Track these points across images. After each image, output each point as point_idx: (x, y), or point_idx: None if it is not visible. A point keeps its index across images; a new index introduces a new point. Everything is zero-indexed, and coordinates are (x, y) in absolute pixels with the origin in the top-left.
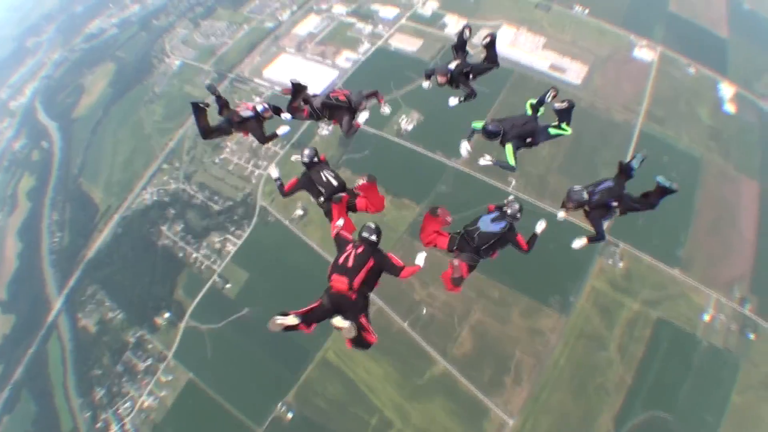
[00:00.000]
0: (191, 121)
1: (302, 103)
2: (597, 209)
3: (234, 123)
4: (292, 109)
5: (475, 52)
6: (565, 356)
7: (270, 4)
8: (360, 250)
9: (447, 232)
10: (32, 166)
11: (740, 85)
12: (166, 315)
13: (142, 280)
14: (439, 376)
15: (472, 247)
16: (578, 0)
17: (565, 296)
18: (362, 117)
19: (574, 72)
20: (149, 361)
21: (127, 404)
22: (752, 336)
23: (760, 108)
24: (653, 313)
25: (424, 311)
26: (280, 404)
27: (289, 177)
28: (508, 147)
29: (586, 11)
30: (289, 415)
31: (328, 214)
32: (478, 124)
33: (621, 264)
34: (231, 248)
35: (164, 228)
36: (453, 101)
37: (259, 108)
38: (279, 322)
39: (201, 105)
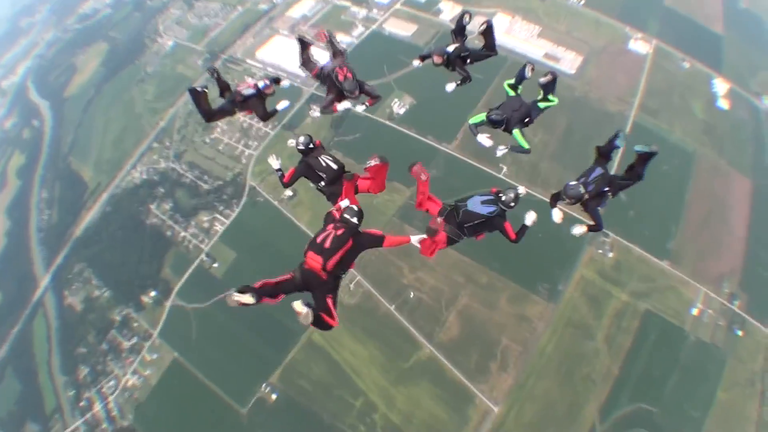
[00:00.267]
0: (183, 100)
1: (316, 60)
2: (593, 199)
3: (237, 103)
4: (304, 61)
5: (470, 40)
6: (553, 344)
7: None
8: (340, 232)
9: (440, 200)
10: (22, 144)
11: (734, 81)
12: (153, 293)
13: (129, 258)
14: (425, 360)
15: (455, 221)
16: None
17: (554, 284)
18: (342, 105)
19: (568, 62)
20: (134, 340)
21: (111, 383)
22: (740, 332)
23: (753, 105)
24: (641, 304)
25: (412, 295)
26: (264, 385)
27: (282, 159)
28: (517, 132)
29: (582, 2)
30: (273, 396)
31: (332, 198)
32: (477, 119)
33: (611, 254)
34: (219, 228)
35: (153, 206)
36: (450, 86)
37: (261, 84)
38: (236, 298)
39: (199, 90)
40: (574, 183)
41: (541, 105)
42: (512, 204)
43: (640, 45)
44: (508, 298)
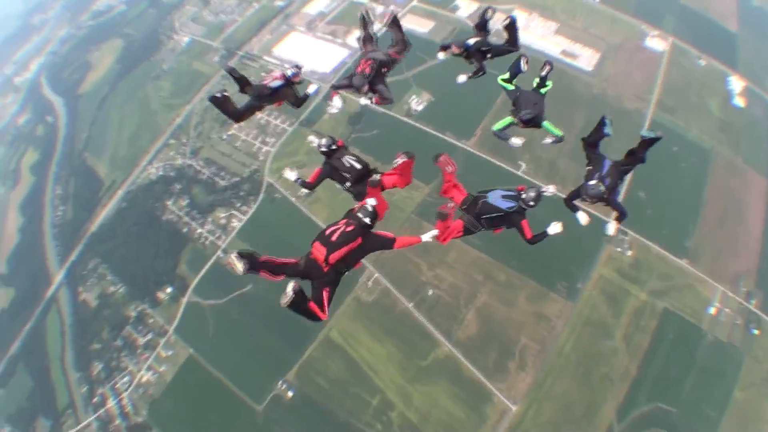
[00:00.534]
0: (199, 97)
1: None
2: (612, 191)
3: (265, 96)
4: (363, 39)
5: (492, 36)
6: (571, 343)
7: None
8: (349, 228)
9: (465, 190)
10: (36, 140)
11: (749, 79)
12: (169, 290)
13: (145, 254)
14: (443, 358)
15: (474, 212)
16: None
17: (573, 282)
18: (363, 101)
19: (585, 59)
20: (149, 336)
21: (125, 379)
22: (756, 331)
23: None
24: (660, 303)
25: (430, 293)
26: (280, 382)
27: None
28: (547, 123)
29: None
30: (290, 394)
31: (359, 197)
32: (501, 124)
33: (629, 252)
34: (236, 224)
35: (169, 203)
36: (462, 78)
37: (289, 73)
38: (231, 259)
39: (219, 96)
40: (593, 183)
41: (543, 91)
42: (531, 203)
43: (656, 42)
44: (527, 297)
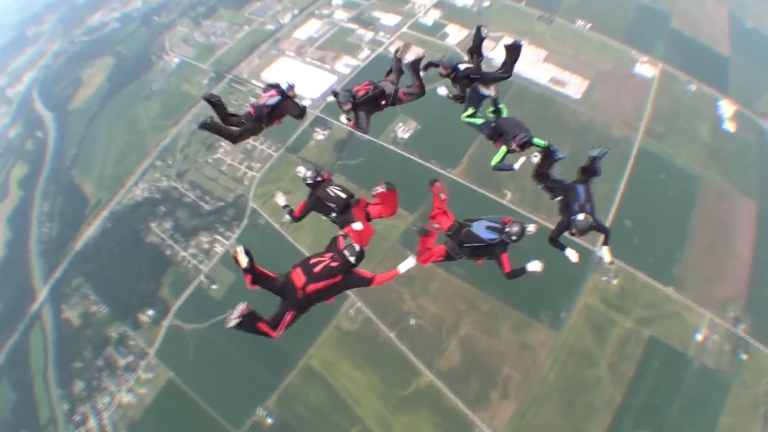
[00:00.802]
0: (187, 119)
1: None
2: (593, 215)
3: (264, 116)
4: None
5: (484, 62)
6: (555, 372)
7: (272, 7)
8: (334, 264)
9: (454, 217)
10: (26, 154)
11: (741, 103)
12: (150, 312)
13: (128, 275)
14: (424, 388)
15: (457, 239)
16: (581, 14)
17: (557, 312)
18: (343, 118)
19: (574, 86)
20: (130, 358)
21: (106, 399)
22: (744, 356)
23: (759, 127)
24: (645, 331)
25: (412, 322)
26: (260, 409)
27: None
28: (536, 140)
29: (588, 26)
30: (269, 421)
31: (345, 226)
32: (499, 156)
33: (615, 281)
34: (219, 249)
35: (153, 225)
36: (442, 91)
37: (285, 86)
38: (238, 250)
39: (210, 122)
40: (581, 217)
41: (506, 114)
42: (514, 238)
43: (646, 68)
44: (511, 326)
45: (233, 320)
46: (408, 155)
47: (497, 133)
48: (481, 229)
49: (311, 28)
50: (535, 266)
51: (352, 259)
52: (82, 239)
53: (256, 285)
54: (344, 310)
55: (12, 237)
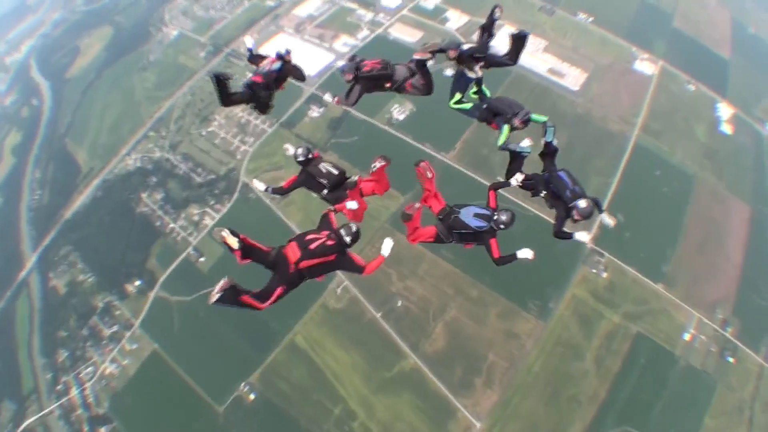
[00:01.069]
0: (182, 91)
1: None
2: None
3: (273, 83)
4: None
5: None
6: (540, 363)
7: None
8: (330, 243)
9: (444, 201)
10: (20, 122)
11: (738, 107)
12: (137, 283)
13: (116, 245)
14: (408, 371)
15: (447, 223)
16: (582, 7)
17: (545, 302)
18: (327, 97)
19: (572, 78)
20: (115, 328)
21: (89, 369)
22: (731, 359)
23: (756, 131)
24: (633, 327)
25: (399, 303)
26: (243, 384)
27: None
28: (535, 116)
29: (590, 19)
30: (252, 396)
31: (338, 203)
32: (504, 137)
33: (605, 274)
34: (209, 222)
35: (144, 195)
36: (449, 72)
37: (283, 51)
38: (224, 234)
39: (221, 77)
40: (583, 203)
41: (488, 93)
42: (503, 226)
43: (645, 65)
44: (498, 314)
45: (215, 296)
46: (402, 137)
47: (491, 113)
48: (468, 216)
49: (311, 5)
50: (526, 253)
51: (348, 239)
52: (72, 207)
53: (248, 259)
54: (331, 288)
55: (3, 203)
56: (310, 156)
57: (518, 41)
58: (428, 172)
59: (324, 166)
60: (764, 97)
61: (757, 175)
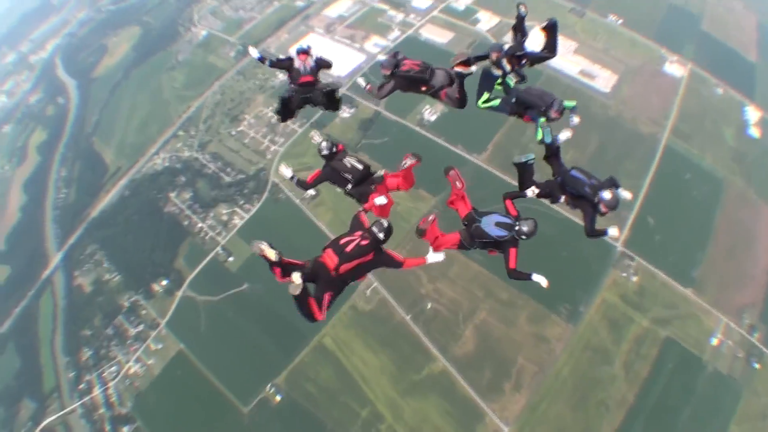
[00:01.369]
0: (212, 90)
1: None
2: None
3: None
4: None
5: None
6: (569, 367)
7: None
8: (364, 242)
9: (471, 205)
10: (46, 120)
11: (766, 110)
12: (164, 282)
13: (143, 244)
14: (437, 374)
15: (469, 231)
16: (612, 9)
17: (575, 305)
18: (360, 80)
19: (603, 80)
20: (141, 327)
21: (113, 368)
22: (757, 365)
23: None
24: (662, 331)
25: (429, 306)
26: (269, 385)
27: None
28: (566, 102)
29: (620, 21)
30: (278, 398)
31: (363, 199)
32: (541, 129)
33: (635, 278)
34: (238, 221)
35: (172, 195)
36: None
37: (304, 46)
38: (262, 246)
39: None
40: (607, 195)
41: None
42: (524, 237)
43: (675, 68)
44: (528, 317)
45: (297, 285)
46: (434, 138)
47: (522, 107)
48: (489, 225)
49: (342, 6)
50: (540, 279)
51: (381, 236)
52: (99, 206)
53: (288, 276)
54: (360, 289)
55: (27, 202)
56: (334, 150)
57: (551, 31)
58: (458, 182)
59: (348, 161)
60: None
61: None
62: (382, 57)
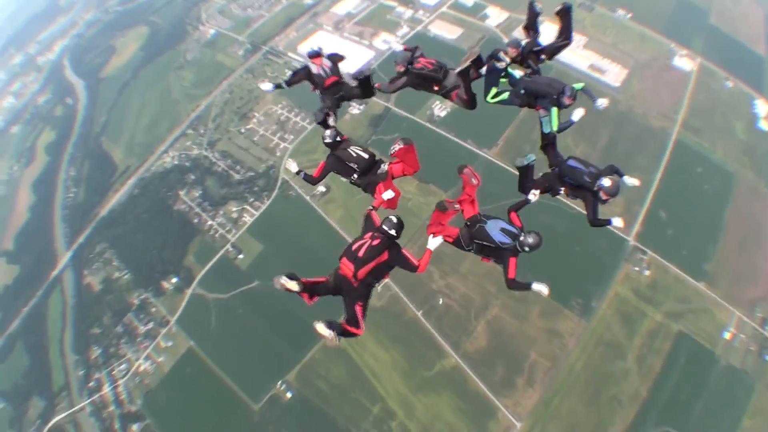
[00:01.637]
0: (221, 88)
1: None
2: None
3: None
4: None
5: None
6: (582, 362)
7: None
8: (376, 242)
9: (478, 209)
10: (54, 120)
11: None
12: (174, 280)
13: (153, 242)
14: (449, 370)
15: (471, 231)
16: (622, 3)
17: (588, 300)
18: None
19: (613, 74)
20: (150, 325)
21: (123, 366)
22: None
23: None
24: (674, 325)
25: (441, 302)
26: (280, 382)
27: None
28: (576, 85)
29: (629, 15)
30: (288, 395)
31: (369, 188)
32: (556, 117)
33: (647, 272)
34: (248, 219)
35: (182, 193)
36: (519, 73)
37: (316, 48)
38: (283, 281)
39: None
40: (607, 182)
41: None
42: (527, 249)
43: (684, 62)
44: (540, 312)
45: (336, 342)
46: (444, 133)
47: (532, 97)
48: (494, 229)
49: (350, 3)
50: (541, 288)
51: (392, 233)
52: (108, 205)
53: (315, 297)
54: None
55: (36, 201)
56: (338, 138)
57: (564, 16)
58: (473, 179)
59: (353, 150)
60: None
61: None
62: (397, 46)
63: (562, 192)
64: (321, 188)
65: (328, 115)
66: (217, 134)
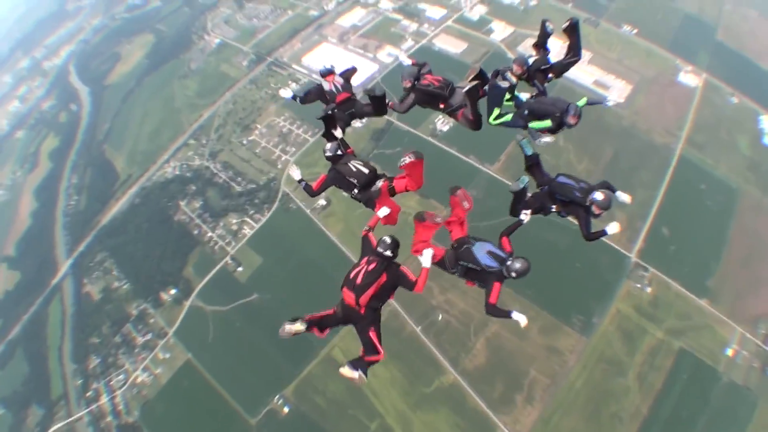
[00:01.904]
0: (224, 99)
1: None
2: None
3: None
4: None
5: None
6: (582, 379)
7: None
8: (372, 266)
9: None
10: (58, 127)
11: None
12: (173, 291)
13: (153, 252)
14: (447, 386)
15: (456, 252)
16: (627, 19)
17: (589, 317)
18: (401, 56)
19: (618, 90)
20: (149, 336)
21: (121, 377)
22: None
23: None
24: (676, 342)
25: (440, 317)
26: (277, 397)
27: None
28: (581, 101)
29: (634, 31)
30: (285, 410)
31: (369, 204)
32: (543, 124)
33: (649, 289)
34: (248, 231)
35: (182, 203)
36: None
37: (329, 66)
38: (287, 329)
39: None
40: (599, 196)
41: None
42: (514, 275)
43: (690, 78)
44: (540, 328)
45: (365, 380)
46: (446, 148)
47: (536, 118)
48: (481, 251)
49: (355, 16)
50: (520, 318)
51: (387, 253)
52: (109, 214)
53: (326, 330)
54: None
55: (38, 208)
56: (339, 152)
57: (572, 32)
58: (465, 202)
59: (354, 164)
60: None
61: None
62: (405, 59)
63: (553, 210)
64: (321, 201)
65: (332, 118)
66: (219, 145)
